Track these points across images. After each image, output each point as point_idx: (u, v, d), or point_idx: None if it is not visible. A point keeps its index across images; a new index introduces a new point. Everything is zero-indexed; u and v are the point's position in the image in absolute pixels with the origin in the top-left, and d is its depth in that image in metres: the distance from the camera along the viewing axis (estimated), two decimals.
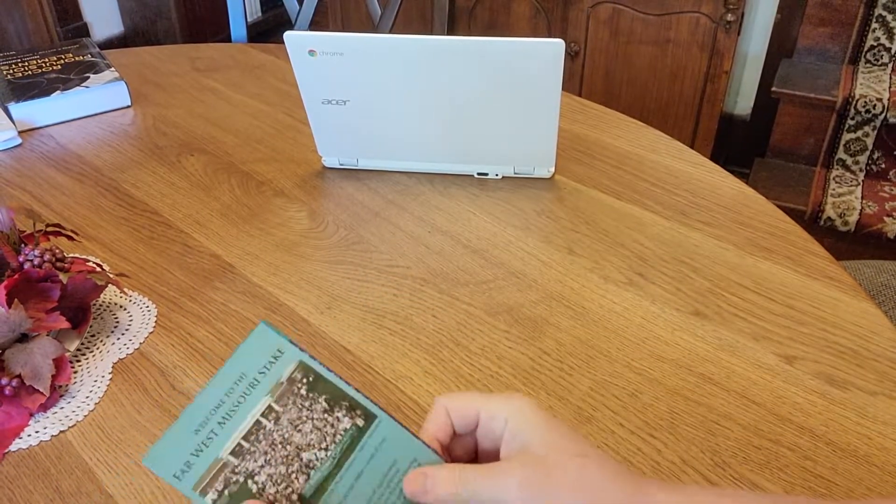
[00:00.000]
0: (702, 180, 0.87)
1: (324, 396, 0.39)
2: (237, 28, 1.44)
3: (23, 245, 0.63)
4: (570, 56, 2.19)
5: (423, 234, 0.78)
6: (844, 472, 0.53)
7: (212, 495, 0.36)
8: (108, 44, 2.84)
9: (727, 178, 0.87)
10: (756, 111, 2.29)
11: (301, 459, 0.37)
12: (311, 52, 0.78)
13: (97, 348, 0.64)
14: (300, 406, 0.38)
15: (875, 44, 1.99)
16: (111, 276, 0.66)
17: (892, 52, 1.99)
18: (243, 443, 0.37)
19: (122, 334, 0.65)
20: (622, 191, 0.85)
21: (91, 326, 0.66)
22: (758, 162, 2.11)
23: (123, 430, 0.57)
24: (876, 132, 1.91)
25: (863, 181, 1.96)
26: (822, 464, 0.53)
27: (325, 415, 0.38)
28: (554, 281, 0.71)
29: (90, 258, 0.75)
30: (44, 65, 1.10)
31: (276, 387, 0.38)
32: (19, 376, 0.57)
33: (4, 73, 1.07)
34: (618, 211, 0.81)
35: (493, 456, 0.39)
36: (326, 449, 0.38)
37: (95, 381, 0.61)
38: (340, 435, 0.38)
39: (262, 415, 0.37)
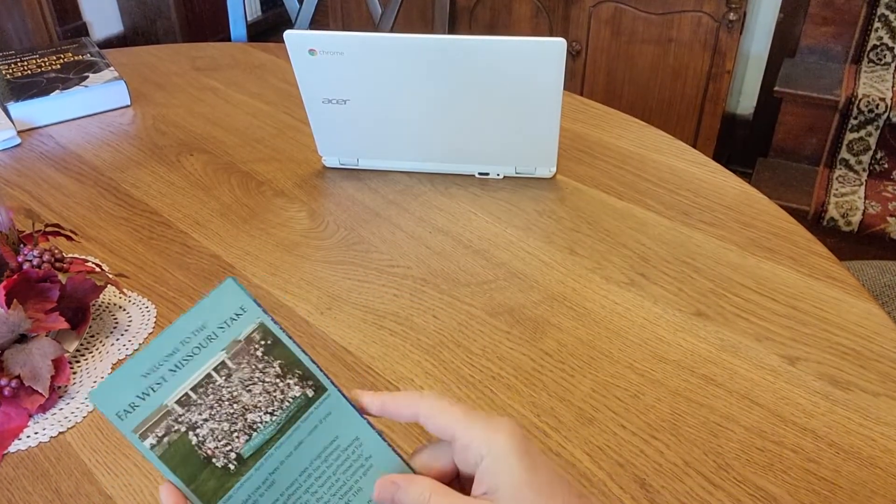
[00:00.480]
0: (704, 180, 0.86)
1: (279, 362, 0.39)
2: (237, 27, 1.44)
3: (22, 245, 0.63)
4: (572, 55, 2.19)
5: (423, 235, 0.78)
6: (848, 474, 0.52)
7: (151, 440, 0.35)
8: (108, 43, 2.84)
9: (730, 177, 0.87)
10: (759, 111, 2.29)
11: (245, 420, 0.37)
12: (312, 52, 0.78)
13: (96, 349, 0.64)
14: (254, 367, 0.38)
15: (878, 43, 1.99)
16: (110, 276, 0.65)
17: (895, 51, 1.99)
18: (191, 394, 0.37)
19: (122, 335, 0.65)
20: (624, 191, 0.85)
21: (90, 327, 0.66)
22: (760, 162, 2.11)
23: None
24: (879, 132, 1.90)
25: (866, 181, 1.96)
26: (826, 466, 0.53)
27: (277, 380, 0.38)
28: (555, 281, 0.71)
29: (89, 258, 0.75)
30: (43, 64, 1.10)
31: (233, 344, 0.38)
32: (18, 377, 0.56)
33: (4, 72, 1.07)
34: (620, 211, 0.81)
35: (468, 471, 0.38)
36: (272, 414, 0.38)
37: (95, 381, 0.60)
38: (289, 402, 0.38)
39: (215, 369, 0.37)
